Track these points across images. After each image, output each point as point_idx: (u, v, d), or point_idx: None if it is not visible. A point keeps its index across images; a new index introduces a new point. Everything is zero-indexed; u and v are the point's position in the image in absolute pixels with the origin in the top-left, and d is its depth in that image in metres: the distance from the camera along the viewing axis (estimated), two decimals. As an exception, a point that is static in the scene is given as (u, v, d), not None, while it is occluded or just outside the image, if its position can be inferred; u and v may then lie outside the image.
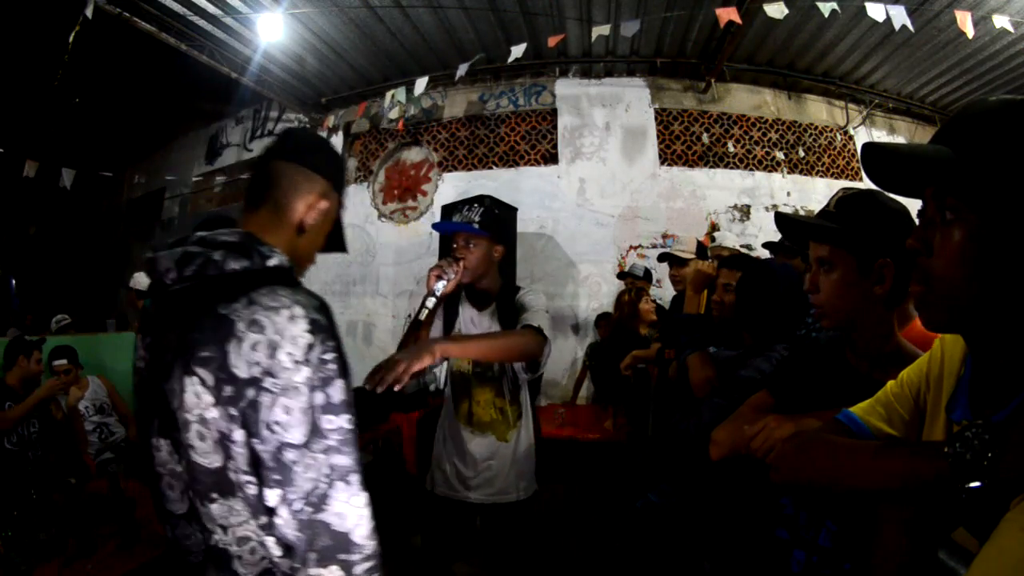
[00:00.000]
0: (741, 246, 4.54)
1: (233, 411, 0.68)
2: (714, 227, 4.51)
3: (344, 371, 0.73)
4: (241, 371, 0.68)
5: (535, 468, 1.72)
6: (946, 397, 0.64)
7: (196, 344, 0.70)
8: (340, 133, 5.34)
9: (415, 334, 1.47)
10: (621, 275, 3.89)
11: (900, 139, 5.04)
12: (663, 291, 4.17)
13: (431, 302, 1.38)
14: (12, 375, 2.52)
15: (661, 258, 2.91)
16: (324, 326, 0.72)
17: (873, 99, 4.85)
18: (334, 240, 0.95)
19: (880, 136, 4.98)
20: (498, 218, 1.59)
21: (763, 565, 0.96)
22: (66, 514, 1.87)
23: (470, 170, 4.88)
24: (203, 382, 0.70)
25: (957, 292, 0.54)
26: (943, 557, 0.52)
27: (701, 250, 2.83)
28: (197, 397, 0.70)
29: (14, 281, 6.35)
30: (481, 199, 3.77)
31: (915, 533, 0.60)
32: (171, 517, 0.78)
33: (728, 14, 3.05)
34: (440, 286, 1.40)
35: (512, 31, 4.06)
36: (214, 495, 0.72)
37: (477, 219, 1.53)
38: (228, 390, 0.68)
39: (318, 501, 0.69)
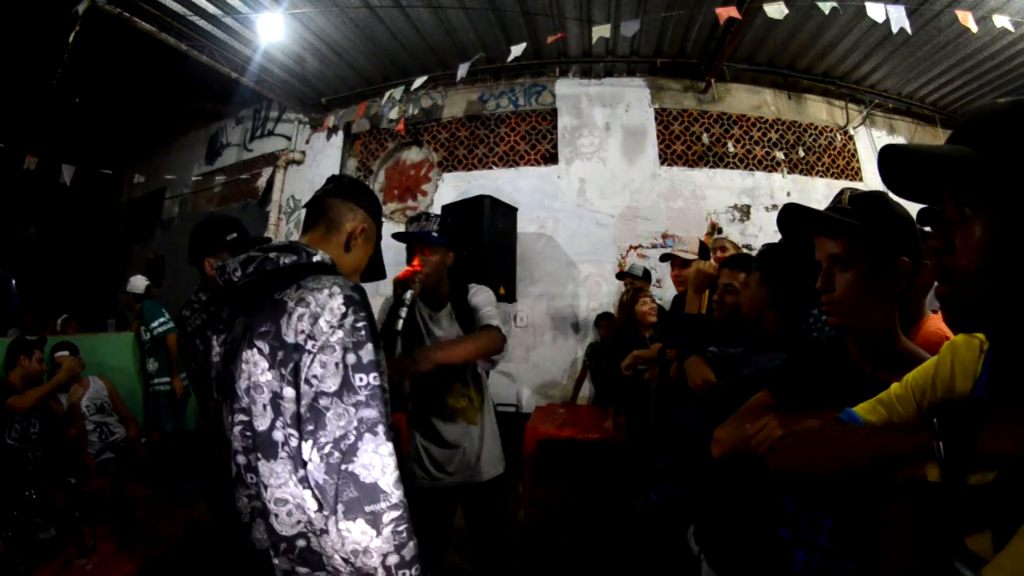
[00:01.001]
0: (741, 246, 4.54)
1: (284, 371, 0.83)
2: (714, 227, 4.51)
3: (374, 337, 0.86)
4: (290, 338, 0.83)
5: (501, 444, 1.88)
6: (961, 397, 0.65)
7: (257, 323, 0.88)
8: (340, 133, 5.34)
9: (393, 343, 1.58)
10: (620, 275, 3.89)
11: (900, 139, 5.04)
12: (664, 291, 4.18)
13: (404, 311, 1.50)
14: (14, 374, 2.56)
15: (663, 258, 2.91)
16: (357, 300, 0.87)
17: (873, 99, 4.85)
18: (374, 267, 1.17)
19: (880, 136, 4.98)
20: (452, 227, 1.74)
21: (765, 565, 0.95)
22: (66, 514, 1.87)
23: (470, 170, 4.88)
24: (260, 351, 0.85)
25: (979, 289, 0.55)
26: (958, 566, 0.52)
27: (703, 250, 2.83)
28: (255, 365, 0.85)
29: (14, 281, 6.34)
30: (481, 199, 3.80)
31: (924, 537, 0.60)
32: (224, 483, 0.94)
33: (728, 11, 3.05)
34: (408, 296, 1.52)
35: (512, 31, 4.06)
36: (259, 455, 0.85)
37: (435, 228, 1.69)
38: (280, 355, 0.83)
39: (347, 450, 0.79)
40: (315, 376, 0.81)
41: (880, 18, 3.08)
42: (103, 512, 1.98)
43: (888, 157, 0.60)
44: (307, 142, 5.53)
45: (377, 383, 0.83)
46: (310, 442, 0.80)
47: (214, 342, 1.28)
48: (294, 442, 0.82)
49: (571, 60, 4.68)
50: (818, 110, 4.90)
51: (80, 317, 5.22)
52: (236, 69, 4.29)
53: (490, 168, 4.83)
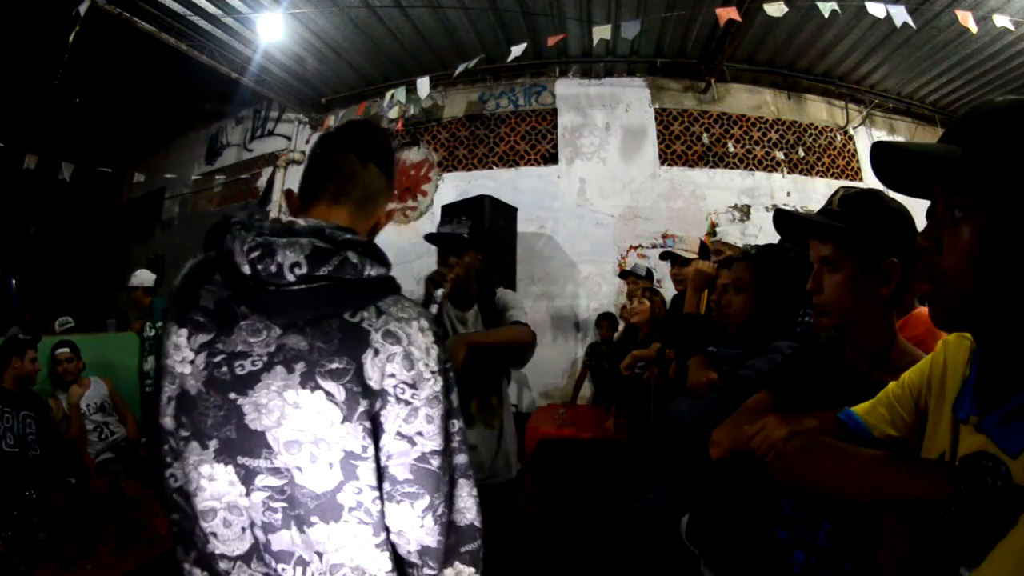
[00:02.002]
0: (741, 246, 4.52)
1: (367, 424, 0.66)
2: (714, 227, 4.51)
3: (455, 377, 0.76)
4: (375, 383, 0.66)
5: (516, 448, 1.89)
6: (950, 398, 0.65)
7: (322, 355, 0.65)
8: (340, 133, 5.34)
9: None
10: (623, 274, 3.89)
11: (900, 139, 5.04)
12: (663, 290, 4.17)
13: (434, 309, 1.51)
14: (7, 376, 2.51)
15: (663, 256, 2.91)
16: (441, 337, 0.74)
17: (873, 99, 4.85)
18: None
19: (880, 136, 4.98)
20: (478, 230, 1.81)
21: (763, 566, 0.95)
22: (66, 514, 1.87)
23: (470, 170, 4.88)
24: (330, 396, 0.65)
25: (967, 290, 0.54)
26: (963, 573, 0.52)
27: (704, 250, 2.83)
28: (318, 413, 0.65)
29: (14, 281, 6.34)
30: (481, 199, 3.80)
31: (919, 542, 0.60)
32: (220, 560, 0.68)
33: (728, 13, 3.04)
34: (440, 293, 1.54)
35: (512, 31, 4.06)
36: (314, 519, 0.66)
37: (466, 232, 1.75)
38: (364, 404, 0.65)
39: (450, 502, 0.73)
40: (420, 433, 0.68)
41: (881, 14, 3.08)
42: (103, 512, 1.98)
43: (879, 154, 0.60)
44: (307, 142, 5.53)
45: (462, 425, 0.76)
46: (419, 502, 0.68)
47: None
48: (374, 505, 0.67)
49: (571, 60, 4.68)
50: (818, 110, 4.90)
51: (80, 317, 5.22)
52: (236, 69, 4.30)
53: (490, 168, 4.83)
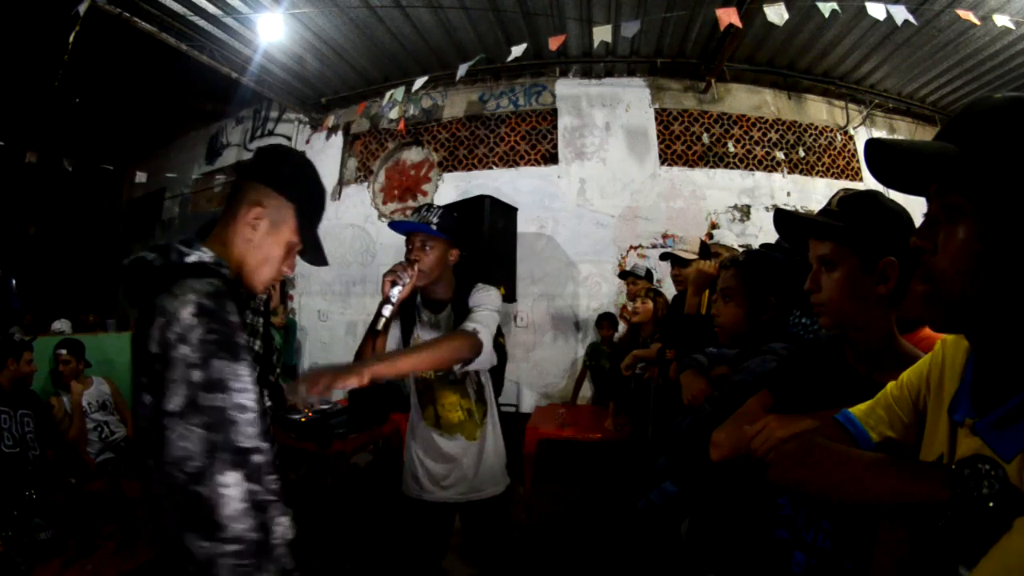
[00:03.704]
0: (741, 246, 4.53)
1: (144, 380, 0.79)
2: (714, 227, 4.51)
3: (229, 353, 0.77)
4: (152, 347, 0.77)
5: (506, 462, 1.73)
6: (948, 399, 0.64)
7: (138, 325, 0.83)
8: (340, 133, 5.35)
9: (371, 343, 1.43)
10: (623, 275, 3.90)
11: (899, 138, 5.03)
12: (663, 291, 4.17)
13: (387, 310, 1.36)
14: (2, 377, 2.50)
15: (663, 257, 2.91)
16: (210, 310, 0.78)
17: (873, 99, 4.85)
18: (310, 254, 1.00)
19: (880, 136, 4.98)
20: (457, 220, 1.56)
21: (763, 566, 0.95)
22: (66, 514, 1.87)
23: (470, 170, 4.88)
24: (136, 359, 0.82)
25: (962, 290, 0.53)
26: (963, 572, 0.52)
27: (704, 250, 2.83)
28: (137, 369, 0.81)
29: (14, 281, 6.33)
30: (481, 199, 3.80)
31: (917, 544, 0.60)
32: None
33: (728, 16, 3.04)
34: (396, 292, 1.36)
35: (512, 31, 4.06)
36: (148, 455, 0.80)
37: (435, 220, 1.50)
38: (144, 363, 0.79)
39: (194, 473, 0.73)
40: (161, 392, 0.76)
41: (881, 15, 3.08)
42: (103, 512, 1.97)
43: (873, 152, 0.59)
44: (307, 142, 5.53)
45: (229, 407, 0.76)
46: (157, 455, 0.76)
47: None
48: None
49: (571, 60, 4.67)
50: (818, 110, 4.90)
51: (80, 317, 5.22)
52: (236, 69, 4.30)
53: (490, 168, 4.83)
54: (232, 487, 0.74)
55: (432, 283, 1.53)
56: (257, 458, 0.77)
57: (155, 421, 0.76)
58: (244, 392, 0.77)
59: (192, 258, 0.86)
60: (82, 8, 3.06)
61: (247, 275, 0.95)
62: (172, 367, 0.75)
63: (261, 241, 0.94)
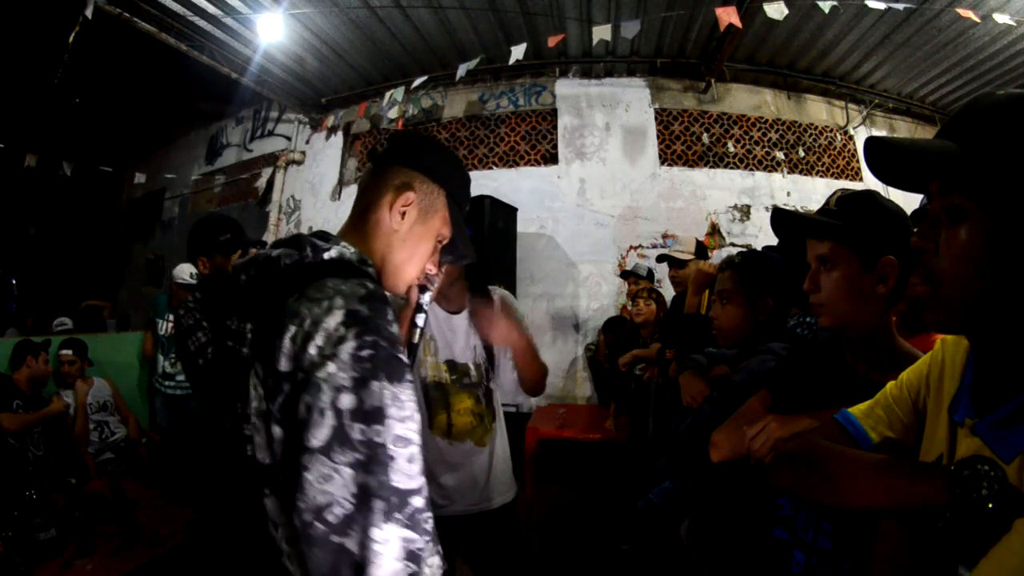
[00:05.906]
0: (741, 246, 4.54)
1: (274, 407, 0.64)
2: (714, 227, 4.51)
3: (389, 372, 0.61)
4: (282, 365, 0.63)
5: (512, 469, 1.72)
6: (947, 399, 0.64)
7: (261, 337, 0.68)
8: (340, 133, 5.34)
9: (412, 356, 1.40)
10: (624, 275, 3.89)
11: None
12: (663, 291, 4.17)
13: (421, 319, 1.24)
14: (20, 374, 2.58)
15: (660, 259, 2.91)
16: (365, 318, 0.63)
17: (873, 99, 4.84)
18: (457, 248, 0.90)
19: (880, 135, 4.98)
20: (477, 230, 1.58)
21: (763, 566, 0.95)
22: (66, 514, 1.87)
23: (470, 170, 4.81)
24: (257, 375, 0.67)
25: (963, 292, 0.53)
26: (963, 573, 0.52)
27: (701, 250, 2.83)
28: (255, 390, 0.68)
29: (14, 281, 6.34)
30: (481, 199, 3.80)
31: (917, 544, 0.59)
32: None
33: (728, 15, 3.04)
34: (427, 298, 1.26)
35: (512, 31, 4.06)
36: (267, 490, 0.68)
37: None
38: (271, 384, 0.64)
39: (339, 523, 0.57)
40: (300, 421, 0.61)
41: (882, 7, 3.06)
42: (103, 512, 1.98)
43: (873, 150, 0.58)
44: (307, 142, 5.53)
45: (387, 441, 0.60)
46: (294, 498, 0.61)
47: (200, 345, 1.06)
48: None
49: (571, 60, 4.67)
50: (818, 110, 4.89)
51: (80, 318, 5.21)
52: (236, 69, 4.30)
53: (490, 168, 4.83)
54: (388, 543, 0.58)
55: (451, 282, 1.55)
56: (417, 501, 0.61)
57: (289, 457, 0.61)
58: (406, 421, 0.61)
59: (332, 253, 0.72)
60: (89, 11, 3.06)
61: (389, 274, 0.80)
62: (314, 391, 0.59)
63: (408, 233, 0.80)
